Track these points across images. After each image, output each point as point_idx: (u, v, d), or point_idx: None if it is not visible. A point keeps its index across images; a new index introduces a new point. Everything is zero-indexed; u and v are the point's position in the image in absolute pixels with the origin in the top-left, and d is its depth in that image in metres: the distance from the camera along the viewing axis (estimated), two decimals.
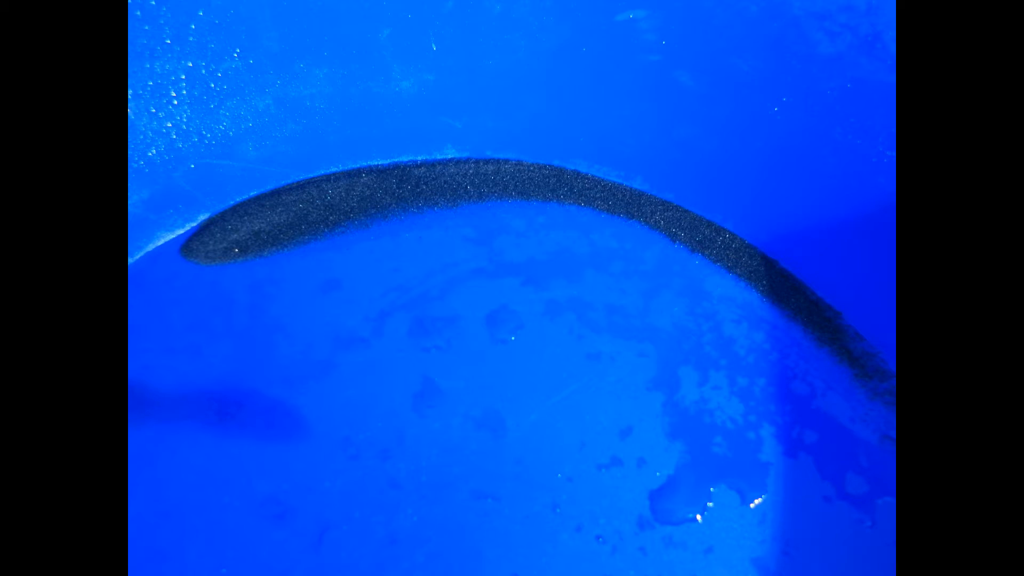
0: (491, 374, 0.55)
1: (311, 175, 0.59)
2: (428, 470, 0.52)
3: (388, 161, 0.60)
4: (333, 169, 0.60)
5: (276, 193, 0.59)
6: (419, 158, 0.61)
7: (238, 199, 0.58)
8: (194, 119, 0.54)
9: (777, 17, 0.50)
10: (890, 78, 0.48)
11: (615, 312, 0.57)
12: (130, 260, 0.57)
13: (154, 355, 0.54)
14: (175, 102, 0.52)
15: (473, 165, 0.61)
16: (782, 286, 0.58)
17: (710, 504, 0.52)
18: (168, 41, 0.49)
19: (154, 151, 0.54)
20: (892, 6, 0.46)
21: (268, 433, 0.53)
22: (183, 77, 0.52)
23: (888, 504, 0.52)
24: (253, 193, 0.59)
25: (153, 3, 0.47)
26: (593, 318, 0.57)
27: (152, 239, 0.57)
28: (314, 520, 0.51)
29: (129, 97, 0.50)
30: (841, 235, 0.56)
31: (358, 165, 0.60)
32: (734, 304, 0.58)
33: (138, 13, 0.47)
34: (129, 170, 0.53)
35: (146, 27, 0.48)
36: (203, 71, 0.52)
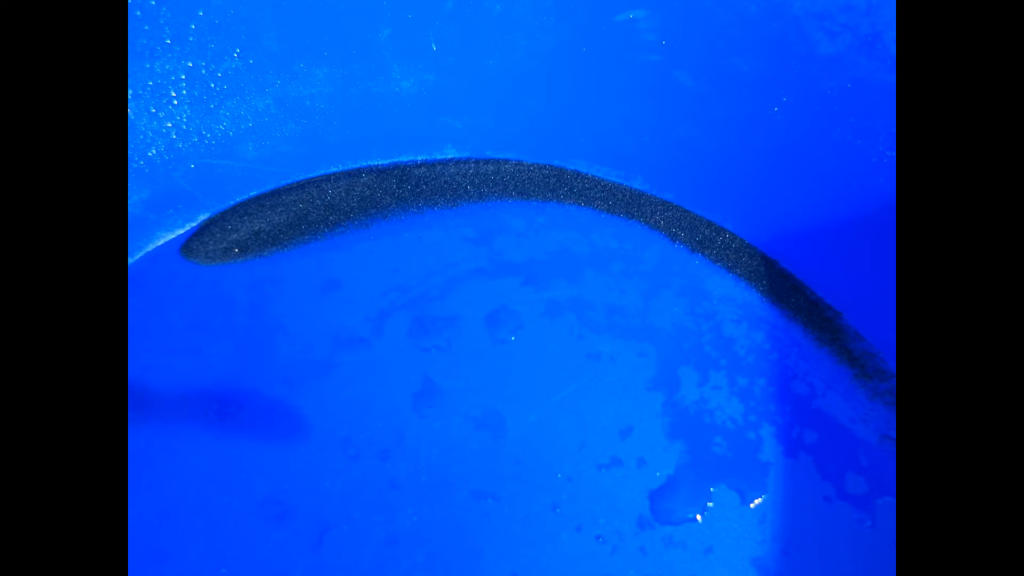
0: (491, 374, 0.55)
1: (311, 175, 0.59)
2: (428, 470, 0.52)
3: (388, 161, 0.60)
4: (333, 169, 0.60)
5: (276, 193, 0.59)
6: (419, 158, 0.61)
7: (238, 199, 0.58)
8: (194, 119, 0.54)
9: (777, 17, 0.50)
10: (890, 78, 0.48)
11: (615, 312, 0.57)
12: (130, 260, 0.57)
13: (154, 355, 0.54)
14: (175, 102, 0.52)
15: (473, 165, 0.61)
16: (782, 286, 0.58)
17: (710, 504, 0.52)
18: (168, 41, 0.49)
19: (154, 151, 0.54)
20: (892, 6, 0.46)
21: (268, 433, 0.53)
22: (183, 77, 0.52)
23: (888, 504, 0.52)
24: (253, 193, 0.59)
25: (153, 3, 0.47)
26: (593, 318, 0.57)
27: (152, 239, 0.57)
28: (314, 520, 0.51)
29: (129, 97, 0.50)
30: (841, 235, 0.56)
31: (358, 165, 0.60)
32: (734, 304, 0.58)
33: (138, 13, 0.47)
34: (129, 170, 0.53)
35: (146, 27, 0.48)
36: (203, 71, 0.52)
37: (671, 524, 0.52)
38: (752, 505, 0.52)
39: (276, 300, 0.56)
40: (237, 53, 0.52)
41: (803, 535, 0.51)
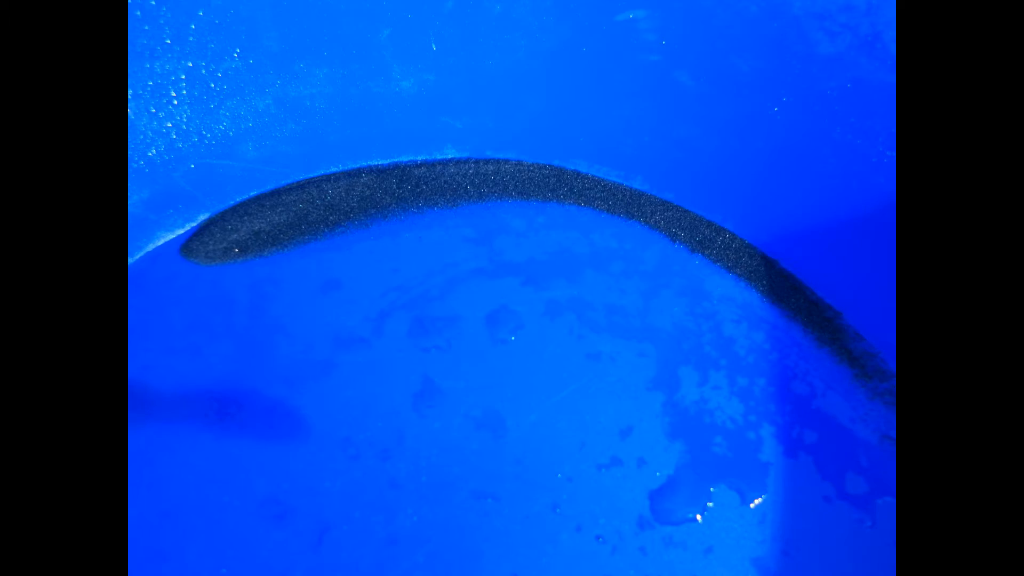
0: (491, 374, 0.55)
1: (311, 175, 0.59)
2: (428, 470, 0.52)
3: (388, 161, 0.60)
4: (333, 169, 0.60)
5: (276, 193, 0.59)
6: (419, 158, 0.61)
7: (238, 199, 0.58)
8: (194, 119, 0.54)
9: (777, 17, 0.50)
10: (890, 78, 0.48)
11: (615, 312, 0.57)
12: (130, 260, 0.57)
13: (154, 355, 0.54)
14: (175, 102, 0.52)
15: (473, 165, 0.61)
16: (782, 286, 0.58)
17: (710, 504, 0.52)
18: (168, 41, 0.49)
19: (154, 151, 0.54)
20: (892, 6, 0.46)
21: (268, 433, 0.53)
22: (183, 77, 0.52)
23: (888, 504, 0.52)
24: (253, 193, 0.59)
25: (153, 3, 0.47)
26: (593, 318, 0.57)
27: (152, 239, 0.57)
28: (314, 520, 0.51)
29: (129, 97, 0.50)
30: (841, 235, 0.56)
31: (358, 165, 0.60)
32: (734, 304, 0.58)
33: (138, 13, 0.47)
34: (129, 170, 0.53)
35: (146, 27, 0.48)
36: (203, 71, 0.52)
37: (671, 524, 0.52)
38: (752, 505, 0.52)
39: (276, 300, 0.56)
40: (237, 53, 0.52)
41: (803, 535, 0.51)
